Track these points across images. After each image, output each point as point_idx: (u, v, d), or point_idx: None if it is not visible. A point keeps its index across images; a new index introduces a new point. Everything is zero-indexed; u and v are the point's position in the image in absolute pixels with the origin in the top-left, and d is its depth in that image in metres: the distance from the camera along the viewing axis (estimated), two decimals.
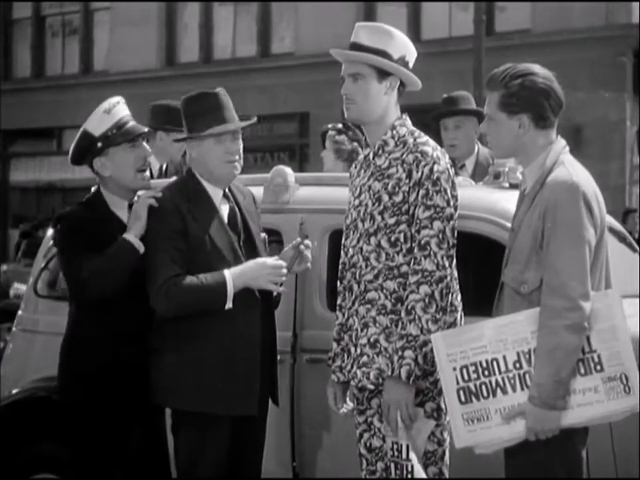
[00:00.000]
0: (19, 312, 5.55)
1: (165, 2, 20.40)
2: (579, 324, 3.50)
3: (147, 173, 4.40)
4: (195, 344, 4.09)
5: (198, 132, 4.18)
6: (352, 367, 4.01)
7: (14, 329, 5.54)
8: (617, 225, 5.57)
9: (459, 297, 4.05)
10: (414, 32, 17.91)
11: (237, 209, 4.28)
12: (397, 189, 3.94)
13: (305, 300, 4.82)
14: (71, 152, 4.39)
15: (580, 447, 3.65)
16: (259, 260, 4.15)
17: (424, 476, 3.91)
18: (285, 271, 4.16)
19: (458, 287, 4.04)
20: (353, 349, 4.02)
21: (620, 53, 16.05)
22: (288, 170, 5.07)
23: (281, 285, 4.21)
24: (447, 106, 6.13)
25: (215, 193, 4.23)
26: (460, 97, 6.15)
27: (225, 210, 4.25)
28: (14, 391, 5.24)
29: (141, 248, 4.14)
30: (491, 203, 4.60)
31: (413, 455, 3.88)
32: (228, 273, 4.08)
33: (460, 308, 4.05)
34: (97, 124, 4.29)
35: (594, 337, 3.55)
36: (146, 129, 4.40)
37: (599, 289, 3.64)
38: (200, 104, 4.20)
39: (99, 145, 4.27)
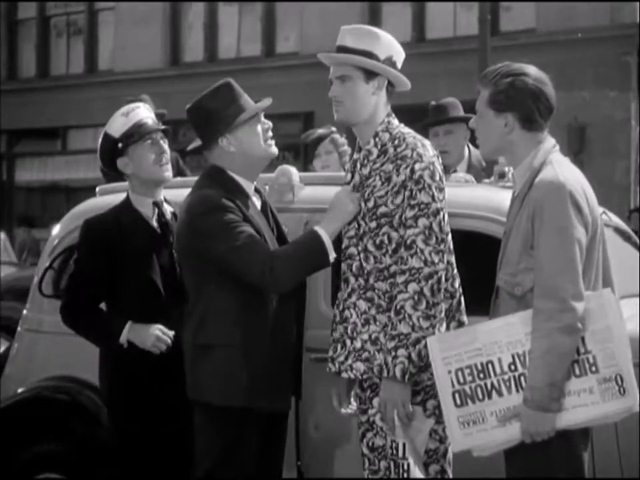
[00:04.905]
0: (24, 311, 5.54)
1: (170, 1, 20.41)
2: (572, 325, 3.48)
3: (169, 167, 4.54)
4: (244, 340, 4.03)
5: (230, 122, 4.11)
6: (346, 359, 4.02)
7: (19, 328, 5.54)
8: (622, 224, 5.56)
9: (457, 282, 4.06)
10: (418, 31, 17.93)
11: (268, 204, 4.27)
12: (370, 195, 3.99)
13: (310, 299, 4.81)
14: (98, 157, 4.60)
15: (581, 448, 3.63)
16: (337, 193, 4.08)
17: (420, 475, 3.92)
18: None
19: (456, 271, 4.04)
20: (349, 342, 4.03)
21: (625, 53, 16.05)
22: (292, 169, 5.06)
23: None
24: (436, 114, 6.12)
25: (249, 188, 4.19)
26: (449, 105, 6.14)
27: (258, 205, 4.22)
28: (19, 390, 5.25)
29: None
30: (496, 202, 4.59)
31: (409, 454, 3.89)
32: (316, 227, 4.04)
33: (457, 294, 4.06)
34: (116, 127, 4.51)
35: (589, 338, 3.52)
36: (162, 127, 4.56)
37: (595, 289, 3.61)
38: (223, 97, 4.14)
39: (120, 145, 4.48)
